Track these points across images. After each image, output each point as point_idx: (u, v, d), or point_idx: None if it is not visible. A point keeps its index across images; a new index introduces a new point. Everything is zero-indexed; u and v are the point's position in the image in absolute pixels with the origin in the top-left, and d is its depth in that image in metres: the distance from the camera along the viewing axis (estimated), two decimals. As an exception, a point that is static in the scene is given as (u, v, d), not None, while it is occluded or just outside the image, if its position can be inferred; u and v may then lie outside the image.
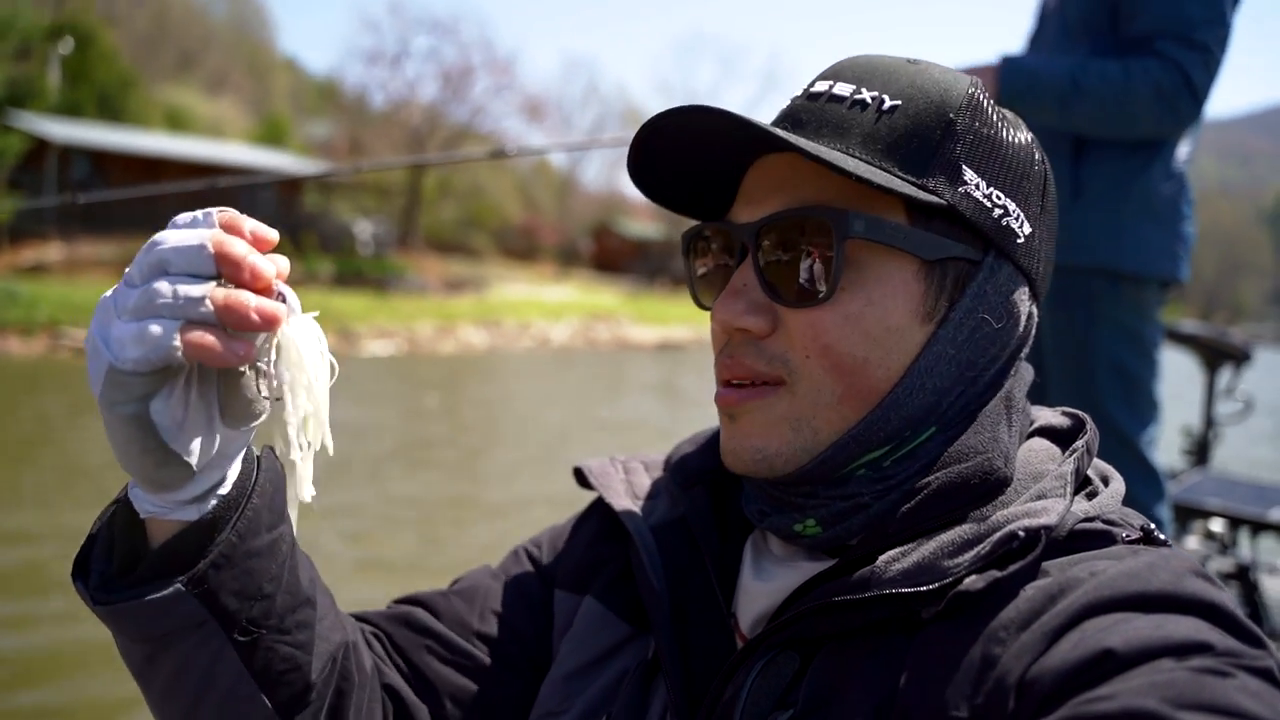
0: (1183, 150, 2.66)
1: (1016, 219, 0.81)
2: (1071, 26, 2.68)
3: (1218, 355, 4.81)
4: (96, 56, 41.41)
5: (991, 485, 0.74)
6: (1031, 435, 0.84)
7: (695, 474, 0.96)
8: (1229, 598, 0.65)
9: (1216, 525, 3.88)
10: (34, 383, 18.10)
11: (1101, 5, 2.59)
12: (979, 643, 0.65)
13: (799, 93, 0.85)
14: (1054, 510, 0.71)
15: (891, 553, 0.72)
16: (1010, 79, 2.49)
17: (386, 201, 48.18)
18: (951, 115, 0.79)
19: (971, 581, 0.67)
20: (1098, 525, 0.73)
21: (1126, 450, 2.64)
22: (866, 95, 0.79)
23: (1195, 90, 2.44)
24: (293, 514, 0.84)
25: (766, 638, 0.74)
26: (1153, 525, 0.74)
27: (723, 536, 0.92)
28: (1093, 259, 2.62)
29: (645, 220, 61.02)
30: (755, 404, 0.80)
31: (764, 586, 0.84)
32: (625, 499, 0.99)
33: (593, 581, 0.97)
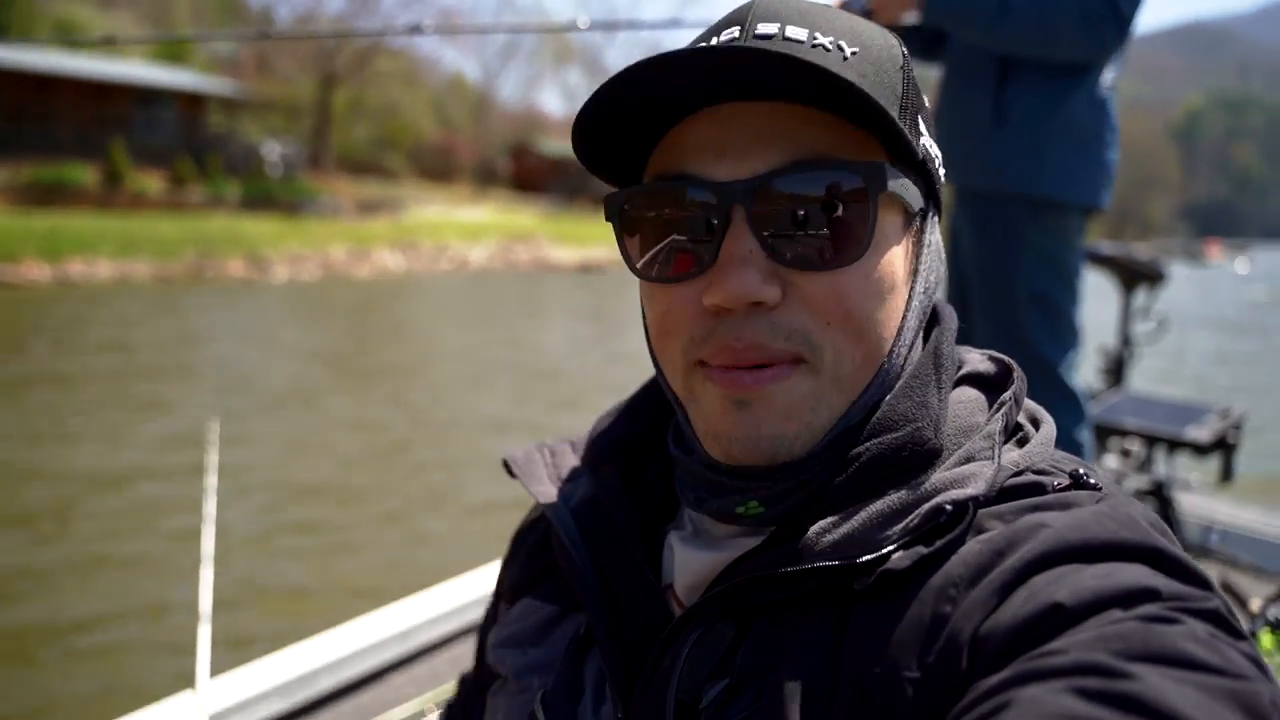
0: (1107, 76, 2.62)
1: (940, 166, 0.81)
2: None
3: (1134, 276, 4.84)
4: (-26, -34, 39.02)
5: (923, 456, 0.72)
6: (959, 383, 0.81)
7: (606, 450, 0.91)
8: (1173, 541, 0.65)
9: (1133, 444, 3.97)
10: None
11: None
12: (927, 602, 0.64)
13: (733, 34, 0.74)
14: (981, 477, 0.69)
15: (821, 524, 0.70)
16: None
17: (295, 121, 46.57)
18: (902, 64, 0.76)
19: (898, 559, 0.66)
20: (1027, 478, 0.71)
21: (1047, 377, 2.65)
22: (824, 40, 0.72)
23: (1120, 13, 2.40)
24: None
25: (701, 607, 0.72)
26: (1083, 470, 0.71)
27: (640, 507, 0.88)
28: (1014, 185, 2.59)
29: (563, 139, 59.74)
30: (775, 388, 0.72)
31: (704, 557, 0.80)
32: (549, 484, 0.94)
33: (535, 586, 0.93)
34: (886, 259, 0.74)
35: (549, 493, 0.92)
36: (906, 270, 0.77)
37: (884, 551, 0.67)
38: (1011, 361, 0.82)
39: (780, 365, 0.72)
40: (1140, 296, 4.91)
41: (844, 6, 2.49)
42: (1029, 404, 0.81)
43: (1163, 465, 3.95)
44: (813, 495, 0.73)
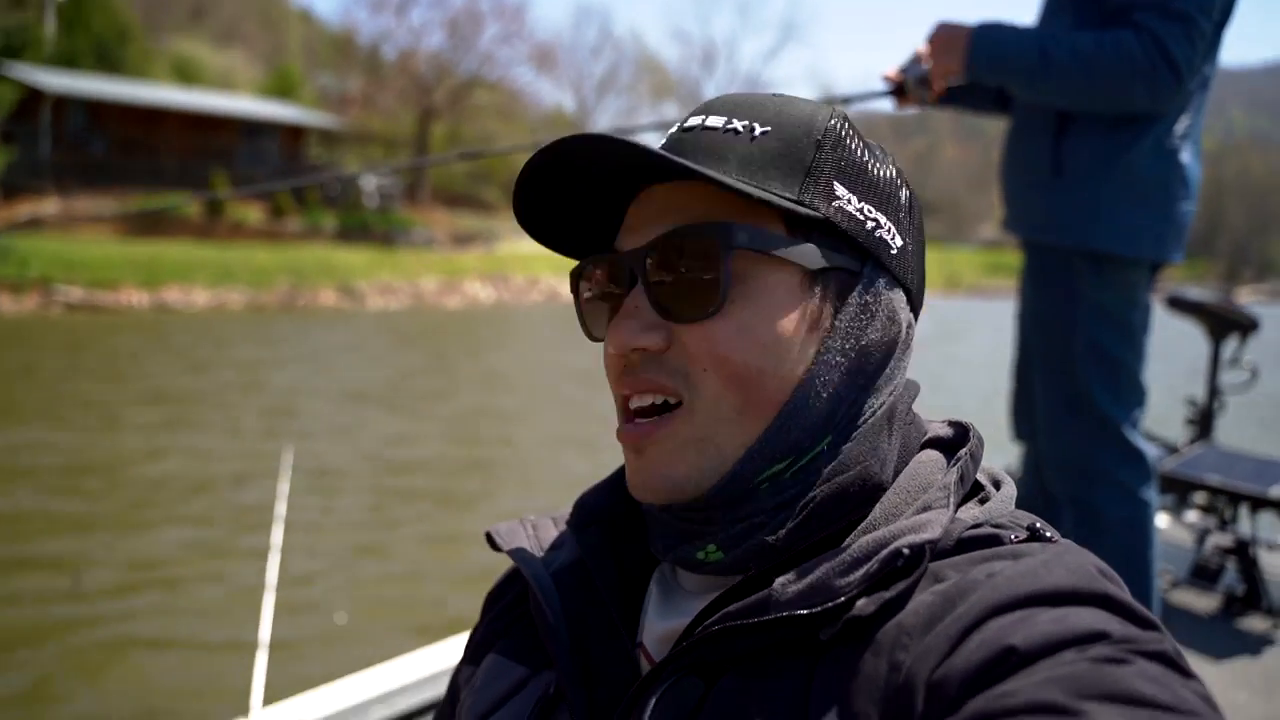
0: (1180, 125, 2.51)
1: (889, 231, 0.85)
2: None
3: (1223, 324, 4.63)
4: (94, 6, 40.69)
5: (868, 490, 0.78)
6: (923, 447, 0.86)
7: (591, 514, 0.96)
8: (1122, 588, 0.69)
9: (1218, 500, 3.85)
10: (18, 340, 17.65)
11: None
12: (883, 651, 0.67)
13: (673, 129, 0.88)
14: (937, 523, 0.73)
15: (786, 575, 0.73)
16: (977, 49, 2.43)
17: (394, 154, 47.43)
18: (819, 137, 0.83)
19: (863, 605, 0.69)
20: (985, 530, 0.75)
21: (1107, 432, 2.59)
22: (738, 124, 0.83)
23: (1173, 62, 2.30)
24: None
25: (669, 663, 0.75)
26: (1039, 524, 0.76)
27: (622, 574, 0.92)
28: (1072, 239, 2.54)
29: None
30: (660, 435, 0.81)
31: (673, 611, 0.84)
32: (531, 553, 0.97)
33: (497, 642, 0.96)
34: (767, 312, 0.79)
35: (530, 558, 0.94)
36: (805, 325, 0.81)
37: (844, 599, 0.69)
38: (969, 424, 0.87)
39: (664, 415, 0.80)
40: (1230, 346, 4.67)
41: (903, 71, 2.57)
42: (991, 467, 0.86)
43: (1246, 523, 3.75)
44: (772, 542, 0.77)
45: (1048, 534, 0.73)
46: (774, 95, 0.87)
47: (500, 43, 51.45)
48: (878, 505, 0.77)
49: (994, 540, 0.73)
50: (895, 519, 0.75)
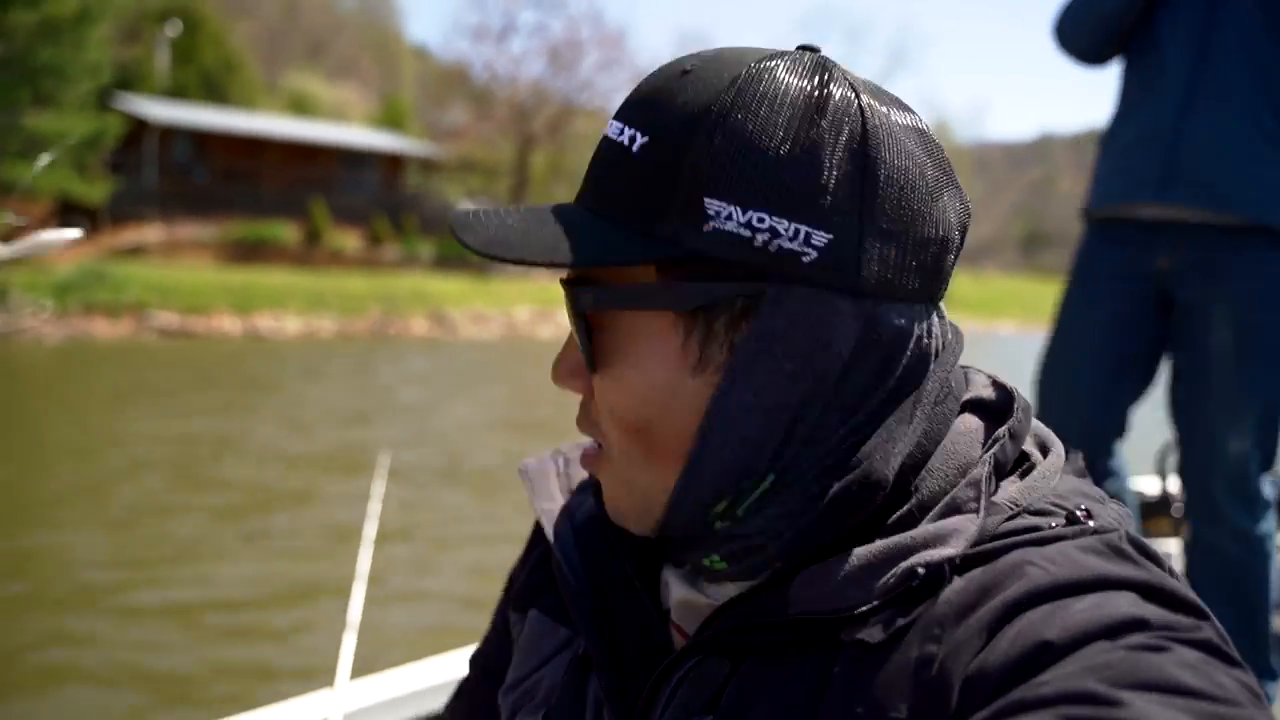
0: None
1: (795, 236, 0.68)
2: None
3: None
4: (205, 40, 41.80)
5: (870, 487, 0.69)
6: (963, 409, 0.77)
7: None
8: (1169, 571, 0.66)
9: None
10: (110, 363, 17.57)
11: None
12: (913, 642, 0.64)
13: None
14: (963, 534, 0.67)
15: (806, 574, 0.70)
16: None
17: (494, 182, 47.48)
18: (691, 140, 0.69)
19: (870, 634, 0.66)
20: (1022, 521, 0.69)
21: None
22: (625, 135, 0.72)
23: (1059, 25, 2.42)
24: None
25: (697, 644, 0.74)
26: (1084, 506, 0.70)
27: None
28: None
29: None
30: (599, 468, 0.80)
31: (698, 593, 0.80)
32: (557, 497, 0.94)
33: (540, 597, 0.92)
34: (635, 363, 0.73)
35: (553, 508, 0.93)
36: (682, 368, 0.72)
37: (865, 609, 0.66)
38: (1014, 390, 0.79)
39: (599, 455, 0.79)
40: None
41: None
42: (1039, 429, 0.79)
43: None
44: (773, 556, 0.73)
45: (1088, 522, 0.68)
46: (684, 72, 0.71)
47: (600, 70, 51.12)
48: (914, 495, 0.70)
49: (1031, 531, 0.67)
50: (925, 509, 0.70)
